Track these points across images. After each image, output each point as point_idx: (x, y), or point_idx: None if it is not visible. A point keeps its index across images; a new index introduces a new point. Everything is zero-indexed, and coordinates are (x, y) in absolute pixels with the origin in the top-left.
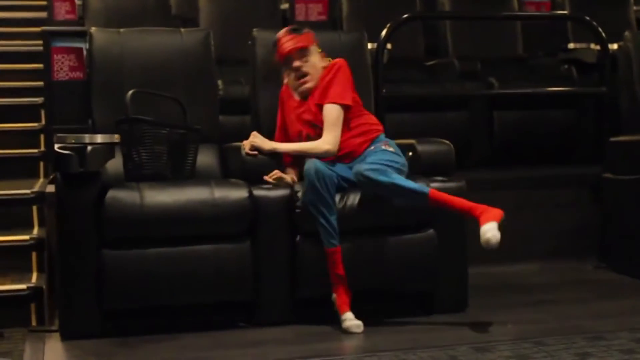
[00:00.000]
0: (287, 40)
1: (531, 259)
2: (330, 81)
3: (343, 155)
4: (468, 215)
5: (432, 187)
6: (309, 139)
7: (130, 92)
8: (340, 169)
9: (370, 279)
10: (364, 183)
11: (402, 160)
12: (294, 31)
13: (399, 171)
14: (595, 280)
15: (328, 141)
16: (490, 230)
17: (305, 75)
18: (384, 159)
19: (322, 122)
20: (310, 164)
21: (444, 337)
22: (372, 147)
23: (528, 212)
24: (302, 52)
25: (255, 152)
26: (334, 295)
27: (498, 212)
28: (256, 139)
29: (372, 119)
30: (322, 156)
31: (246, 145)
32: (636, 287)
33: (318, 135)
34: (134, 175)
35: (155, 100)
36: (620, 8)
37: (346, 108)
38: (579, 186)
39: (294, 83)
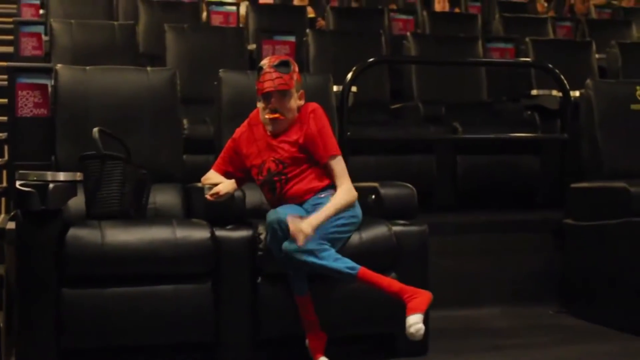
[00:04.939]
0: (271, 77)
1: (494, 303)
2: (321, 131)
3: (291, 197)
4: (395, 298)
5: (361, 267)
6: (269, 172)
7: (96, 129)
8: (295, 209)
9: (335, 324)
10: (294, 262)
11: (350, 212)
12: (280, 68)
13: (343, 231)
14: (555, 325)
15: (351, 187)
16: (414, 325)
17: (279, 115)
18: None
19: (290, 160)
20: (273, 216)
21: None
22: (323, 195)
23: (491, 256)
24: (282, 93)
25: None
26: (307, 341)
27: (425, 299)
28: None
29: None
30: (353, 202)
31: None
32: (595, 333)
33: (279, 172)
34: (99, 214)
35: (112, 140)
36: (582, 56)
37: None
38: (541, 231)
39: (265, 118)
